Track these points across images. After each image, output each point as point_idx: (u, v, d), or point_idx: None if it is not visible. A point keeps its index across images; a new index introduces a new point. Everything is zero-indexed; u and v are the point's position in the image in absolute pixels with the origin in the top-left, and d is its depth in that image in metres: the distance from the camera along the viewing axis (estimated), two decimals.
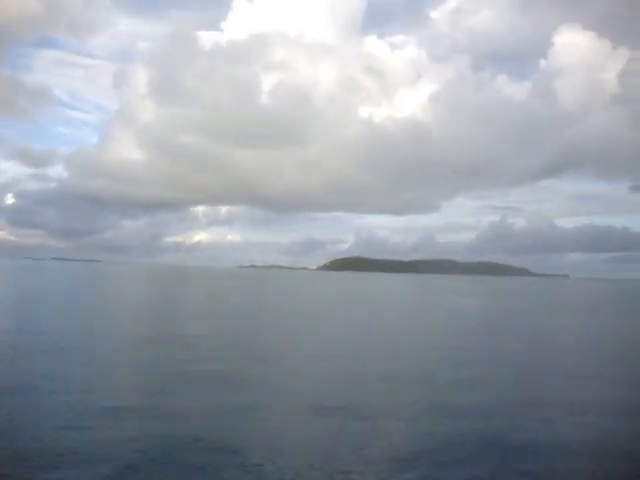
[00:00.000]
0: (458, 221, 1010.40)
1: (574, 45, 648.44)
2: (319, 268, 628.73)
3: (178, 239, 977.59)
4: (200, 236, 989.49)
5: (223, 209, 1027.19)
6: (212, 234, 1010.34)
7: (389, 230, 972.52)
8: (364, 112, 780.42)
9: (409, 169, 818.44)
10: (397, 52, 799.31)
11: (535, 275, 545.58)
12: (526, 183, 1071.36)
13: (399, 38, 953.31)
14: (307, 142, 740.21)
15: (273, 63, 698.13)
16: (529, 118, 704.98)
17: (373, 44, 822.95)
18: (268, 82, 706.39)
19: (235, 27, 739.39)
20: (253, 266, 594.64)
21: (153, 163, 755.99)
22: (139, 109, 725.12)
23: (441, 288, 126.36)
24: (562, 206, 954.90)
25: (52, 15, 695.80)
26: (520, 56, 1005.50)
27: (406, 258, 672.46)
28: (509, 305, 64.42)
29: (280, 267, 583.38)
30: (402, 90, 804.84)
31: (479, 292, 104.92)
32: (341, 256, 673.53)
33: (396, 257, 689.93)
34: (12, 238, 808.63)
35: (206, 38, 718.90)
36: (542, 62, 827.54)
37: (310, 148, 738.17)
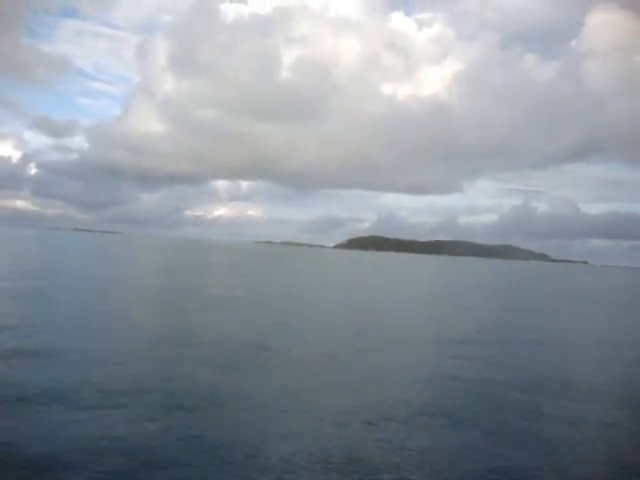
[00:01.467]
0: (480, 203, 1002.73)
1: (608, 25, 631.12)
2: (336, 246, 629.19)
3: (198, 213, 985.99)
4: (221, 211, 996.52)
5: (244, 184, 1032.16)
6: (233, 209, 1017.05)
7: (410, 210, 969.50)
8: (387, 89, 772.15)
9: (431, 148, 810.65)
10: (424, 29, 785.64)
11: (554, 261, 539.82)
12: (550, 167, 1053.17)
13: (426, 15, 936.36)
14: (328, 117, 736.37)
15: (295, 37, 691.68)
16: (556, 100, 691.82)
17: (399, 21, 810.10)
18: (289, 56, 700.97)
19: (259, 1, 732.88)
20: (269, 242, 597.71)
21: (173, 136, 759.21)
22: (160, 82, 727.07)
23: (444, 269, 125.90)
24: (587, 191, 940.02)
25: None
26: (550, 35, 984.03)
27: (426, 238, 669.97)
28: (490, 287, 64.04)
29: (296, 244, 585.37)
30: (426, 68, 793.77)
31: (480, 274, 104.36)
32: (360, 234, 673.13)
33: (416, 237, 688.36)
34: (35, 208, 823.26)
35: (229, 11, 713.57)
36: (573, 42, 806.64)
37: (331, 123, 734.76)
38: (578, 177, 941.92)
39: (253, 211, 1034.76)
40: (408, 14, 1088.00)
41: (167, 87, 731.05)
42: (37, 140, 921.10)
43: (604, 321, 34.96)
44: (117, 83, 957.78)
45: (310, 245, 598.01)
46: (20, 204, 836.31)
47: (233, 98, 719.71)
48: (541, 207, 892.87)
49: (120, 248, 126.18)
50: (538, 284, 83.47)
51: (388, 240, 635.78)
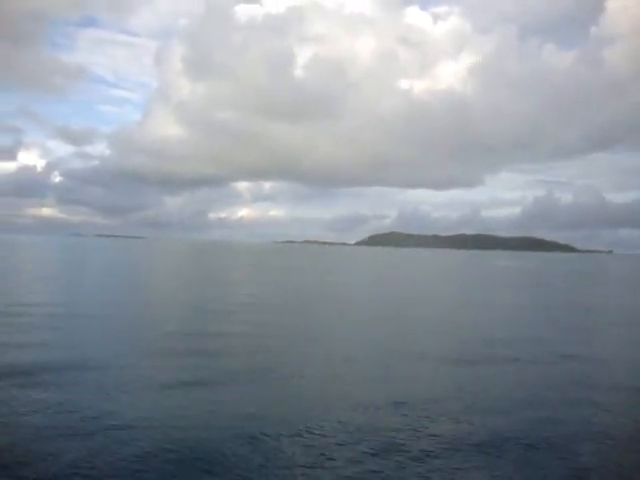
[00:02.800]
0: (503, 196, 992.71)
1: (628, 9, 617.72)
2: (357, 243, 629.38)
3: (222, 215, 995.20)
4: (243, 212, 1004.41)
5: (267, 185, 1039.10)
6: (256, 210, 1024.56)
7: (433, 205, 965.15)
8: (403, 84, 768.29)
9: (451, 142, 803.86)
10: (440, 23, 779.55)
11: (578, 251, 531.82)
12: (574, 156, 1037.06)
13: (443, 9, 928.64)
14: (345, 115, 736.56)
15: (309, 36, 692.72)
16: (576, 88, 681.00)
17: (414, 15, 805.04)
18: (303, 55, 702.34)
19: (273, 0, 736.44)
20: (289, 241, 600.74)
21: (193, 139, 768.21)
22: (177, 86, 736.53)
23: (464, 263, 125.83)
24: (611, 180, 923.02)
25: None
26: (569, 24, 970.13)
27: (448, 233, 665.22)
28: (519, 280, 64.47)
29: (317, 242, 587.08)
30: (443, 62, 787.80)
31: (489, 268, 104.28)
32: (382, 231, 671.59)
33: (438, 232, 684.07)
34: (61, 215, 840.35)
35: (242, 12, 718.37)
36: (592, 29, 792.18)
37: (348, 121, 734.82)
38: (602, 166, 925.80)
39: (276, 211, 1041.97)
40: (424, 8, 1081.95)
41: (184, 91, 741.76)
42: (60, 148, 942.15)
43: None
44: (137, 90, 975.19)
45: (331, 243, 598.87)
46: (46, 211, 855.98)
47: (250, 99, 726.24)
48: (565, 197, 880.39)
49: (145, 252, 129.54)
50: (557, 277, 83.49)
51: (409, 236, 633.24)
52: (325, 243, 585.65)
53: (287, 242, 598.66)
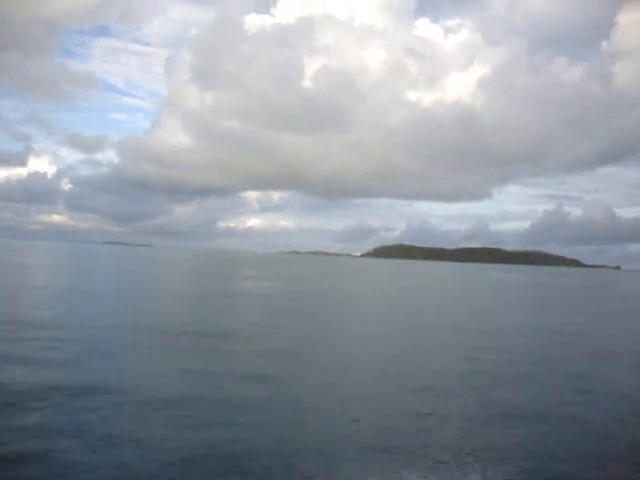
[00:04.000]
0: (512, 209, 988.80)
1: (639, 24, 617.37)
2: (363, 255, 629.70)
3: (231, 224, 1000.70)
4: (252, 221, 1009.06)
5: (275, 195, 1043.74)
6: (265, 220, 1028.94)
7: (441, 218, 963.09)
8: (412, 97, 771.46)
9: (459, 155, 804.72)
10: (450, 36, 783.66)
11: (585, 266, 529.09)
12: (583, 171, 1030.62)
13: (454, 21, 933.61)
14: (353, 126, 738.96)
15: (318, 47, 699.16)
16: (586, 102, 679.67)
17: (425, 27, 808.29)
18: (312, 66, 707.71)
19: (285, 10, 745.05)
20: (295, 252, 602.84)
21: (201, 148, 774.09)
22: (186, 95, 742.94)
23: (456, 277, 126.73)
24: (622, 195, 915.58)
25: (106, 3, 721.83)
26: (580, 37, 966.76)
27: (455, 246, 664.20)
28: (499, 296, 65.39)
29: (323, 253, 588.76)
30: (453, 74, 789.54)
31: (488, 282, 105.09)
32: (389, 243, 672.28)
33: (446, 245, 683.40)
34: (71, 222, 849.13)
35: (252, 22, 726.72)
36: (603, 43, 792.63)
37: (357, 132, 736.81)
38: (612, 181, 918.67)
39: (285, 221, 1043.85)
40: (434, 21, 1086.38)
41: (193, 100, 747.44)
42: (70, 156, 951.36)
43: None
44: (149, 98, 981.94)
45: (337, 254, 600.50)
46: (56, 218, 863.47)
47: (258, 109, 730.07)
48: (575, 212, 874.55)
49: (150, 260, 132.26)
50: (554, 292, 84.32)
51: (415, 248, 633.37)
52: (330, 254, 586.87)
53: (292, 252, 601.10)
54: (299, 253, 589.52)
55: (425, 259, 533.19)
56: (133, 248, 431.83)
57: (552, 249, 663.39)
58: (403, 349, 21.96)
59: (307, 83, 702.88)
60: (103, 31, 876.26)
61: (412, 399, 13.92)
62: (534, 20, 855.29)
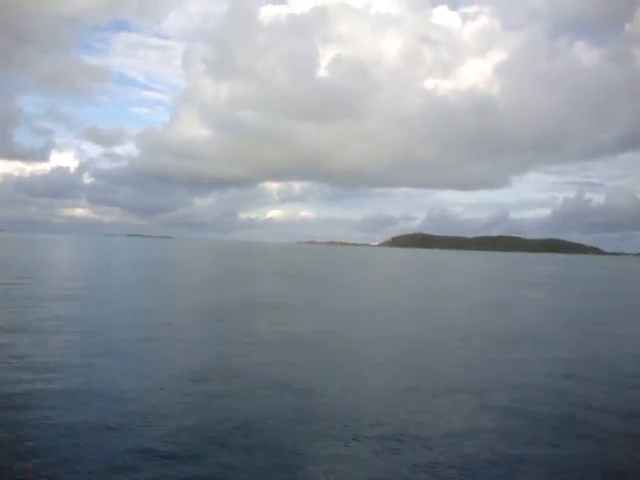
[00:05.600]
0: (533, 197, 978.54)
1: None
2: (381, 244, 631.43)
3: (252, 215, 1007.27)
4: (273, 212, 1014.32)
5: (296, 185, 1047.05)
6: (286, 210, 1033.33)
7: (462, 206, 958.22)
8: (429, 84, 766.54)
9: (477, 143, 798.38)
10: (468, 23, 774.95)
11: (604, 254, 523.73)
12: (605, 157, 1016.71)
13: (473, 9, 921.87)
14: (370, 115, 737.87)
15: (332, 36, 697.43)
16: (607, 86, 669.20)
17: (442, 15, 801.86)
18: (326, 56, 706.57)
19: (300, 0, 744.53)
20: (312, 242, 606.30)
21: (219, 140, 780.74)
22: (203, 87, 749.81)
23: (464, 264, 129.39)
24: None
25: None
26: (602, 20, 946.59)
27: (476, 235, 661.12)
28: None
29: (340, 243, 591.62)
30: (471, 61, 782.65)
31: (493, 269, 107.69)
32: (409, 232, 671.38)
33: (466, 234, 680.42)
34: (94, 216, 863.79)
35: (267, 13, 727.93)
36: (627, 26, 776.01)
37: (373, 121, 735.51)
38: (635, 166, 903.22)
39: (306, 212, 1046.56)
40: (453, 8, 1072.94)
41: (210, 92, 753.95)
42: (92, 150, 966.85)
43: None
44: (168, 91, 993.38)
45: (354, 244, 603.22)
46: (80, 212, 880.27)
47: (274, 99, 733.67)
48: (597, 199, 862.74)
49: (169, 252, 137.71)
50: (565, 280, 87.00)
51: (434, 237, 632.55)
52: (348, 244, 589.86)
53: (310, 242, 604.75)
54: (316, 243, 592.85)
55: (444, 248, 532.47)
56: (154, 240, 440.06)
57: (574, 237, 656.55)
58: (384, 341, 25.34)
59: (322, 72, 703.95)
60: (122, 26, 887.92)
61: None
62: (555, 4, 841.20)
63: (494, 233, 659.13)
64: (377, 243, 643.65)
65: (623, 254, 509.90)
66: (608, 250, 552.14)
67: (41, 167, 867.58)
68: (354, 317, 26.84)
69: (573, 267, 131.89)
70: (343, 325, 23.90)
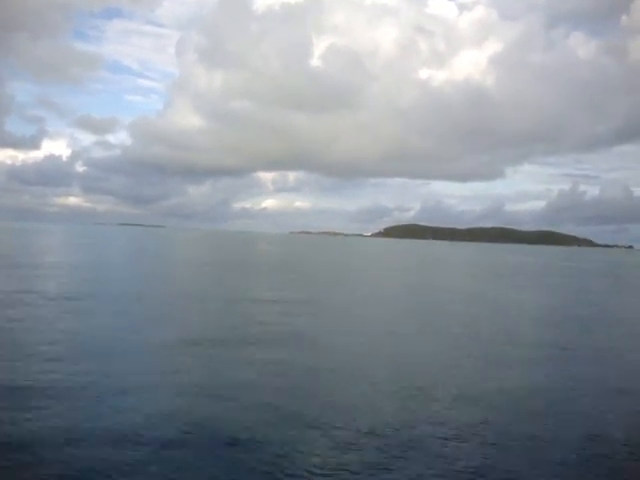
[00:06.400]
0: (527, 189, 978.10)
1: None
2: (373, 235, 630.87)
3: (246, 205, 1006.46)
4: (267, 202, 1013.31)
5: (290, 175, 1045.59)
6: (280, 200, 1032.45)
7: (457, 198, 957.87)
8: (424, 75, 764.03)
9: (472, 134, 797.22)
10: (465, 12, 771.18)
11: (597, 246, 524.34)
12: (600, 149, 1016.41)
13: None
14: (363, 106, 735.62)
15: (326, 26, 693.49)
16: (603, 78, 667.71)
17: (438, 5, 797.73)
18: (320, 46, 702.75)
19: None
20: (305, 232, 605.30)
21: (212, 129, 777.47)
22: (197, 76, 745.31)
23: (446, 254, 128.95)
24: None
25: None
26: (599, 12, 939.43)
27: (467, 226, 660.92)
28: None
29: (333, 233, 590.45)
30: (466, 52, 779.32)
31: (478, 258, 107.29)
32: (402, 223, 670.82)
33: (459, 225, 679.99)
34: (87, 204, 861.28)
35: (261, 2, 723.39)
36: (623, 18, 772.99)
37: (367, 112, 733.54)
38: (630, 159, 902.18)
39: (300, 202, 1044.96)
40: None
41: (202, 81, 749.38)
42: (84, 138, 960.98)
43: None
44: (163, 80, 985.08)
45: (347, 234, 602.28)
46: (72, 200, 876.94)
47: (268, 89, 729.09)
48: (592, 191, 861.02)
49: (160, 241, 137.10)
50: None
51: (427, 228, 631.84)
52: (340, 234, 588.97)
53: (303, 232, 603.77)
54: (310, 233, 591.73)
55: (436, 239, 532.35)
56: (148, 229, 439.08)
57: (569, 229, 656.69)
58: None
59: (315, 62, 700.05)
60: (116, 13, 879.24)
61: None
62: None
63: (488, 225, 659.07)
64: (370, 234, 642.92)
65: (616, 246, 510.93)
66: (601, 242, 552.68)
67: (33, 155, 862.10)
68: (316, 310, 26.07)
69: (552, 258, 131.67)
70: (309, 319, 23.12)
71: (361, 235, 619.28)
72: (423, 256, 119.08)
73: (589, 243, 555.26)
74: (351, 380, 14.05)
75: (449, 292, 37.62)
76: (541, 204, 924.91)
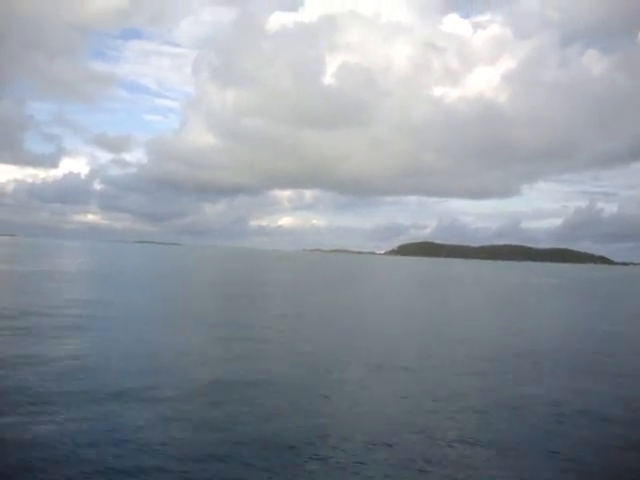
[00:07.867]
0: (544, 206, 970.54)
1: None
2: (387, 253, 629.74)
3: (262, 223, 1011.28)
4: (284, 220, 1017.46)
5: (307, 193, 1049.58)
6: (297, 218, 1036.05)
7: (473, 216, 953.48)
8: (438, 92, 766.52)
9: (486, 151, 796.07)
10: (479, 31, 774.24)
11: (613, 263, 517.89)
12: (616, 166, 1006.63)
13: (485, 17, 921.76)
14: (376, 124, 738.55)
15: (339, 44, 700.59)
16: (618, 94, 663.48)
17: (453, 23, 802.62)
18: (333, 64, 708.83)
19: (312, 8, 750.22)
20: (318, 250, 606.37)
21: (227, 148, 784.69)
22: (211, 95, 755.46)
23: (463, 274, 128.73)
24: None
25: (136, 7, 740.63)
26: (614, 29, 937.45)
27: (484, 244, 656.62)
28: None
29: (346, 251, 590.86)
30: (480, 69, 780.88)
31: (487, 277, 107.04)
32: (416, 241, 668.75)
33: (476, 243, 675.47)
34: (104, 222, 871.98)
35: (274, 21, 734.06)
36: (639, 35, 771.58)
37: (380, 130, 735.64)
38: None
39: (317, 220, 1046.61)
40: (465, 16, 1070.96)
41: (217, 99, 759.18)
42: (102, 157, 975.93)
43: None
44: (180, 99, 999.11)
45: (360, 252, 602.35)
46: (91, 218, 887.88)
47: (282, 107, 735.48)
48: (610, 208, 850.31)
49: (176, 259, 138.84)
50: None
51: (441, 246, 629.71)
52: (353, 252, 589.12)
53: (315, 250, 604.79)
54: (322, 251, 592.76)
55: (450, 257, 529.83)
56: (163, 247, 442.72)
57: (586, 247, 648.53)
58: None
59: (328, 80, 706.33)
60: (134, 34, 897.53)
61: None
62: (567, 13, 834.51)
63: (504, 242, 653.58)
64: (383, 252, 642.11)
65: (632, 264, 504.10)
66: (618, 260, 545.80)
67: (52, 173, 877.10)
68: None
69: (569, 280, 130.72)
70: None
71: (373, 253, 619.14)
72: (428, 275, 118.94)
73: (605, 261, 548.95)
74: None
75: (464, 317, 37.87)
76: (557, 221, 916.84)
